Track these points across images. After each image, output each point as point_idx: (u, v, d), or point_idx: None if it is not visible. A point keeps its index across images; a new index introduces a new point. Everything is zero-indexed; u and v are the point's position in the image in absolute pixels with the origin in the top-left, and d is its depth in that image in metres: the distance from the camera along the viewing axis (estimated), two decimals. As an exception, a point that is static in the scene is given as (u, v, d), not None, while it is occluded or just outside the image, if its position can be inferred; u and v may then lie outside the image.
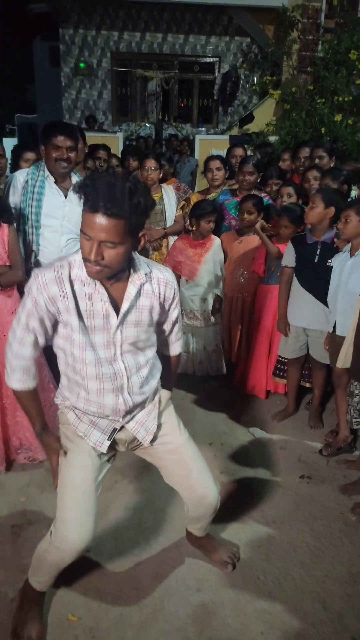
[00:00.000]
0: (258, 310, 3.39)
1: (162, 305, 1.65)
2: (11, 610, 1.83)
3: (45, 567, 1.69)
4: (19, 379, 1.62)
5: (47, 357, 2.74)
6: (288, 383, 3.28)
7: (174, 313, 1.73)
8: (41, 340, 1.60)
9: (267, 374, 3.40)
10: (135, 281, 1.56)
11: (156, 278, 1.61)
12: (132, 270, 1.56)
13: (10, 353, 1.60)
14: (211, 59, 10.82)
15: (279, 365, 3.32)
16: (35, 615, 1.77)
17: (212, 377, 3.62)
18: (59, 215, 2.69)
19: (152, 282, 1.60)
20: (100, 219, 1.35)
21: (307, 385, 3.30)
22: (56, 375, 2.68)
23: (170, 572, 2.05)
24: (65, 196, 2.71)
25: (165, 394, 1.80)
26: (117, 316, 1.55)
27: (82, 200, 1.38)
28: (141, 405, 1.71)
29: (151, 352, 1.71)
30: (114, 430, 1.68)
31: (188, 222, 3.50)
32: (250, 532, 2.28)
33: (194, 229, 3.40)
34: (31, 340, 1.58)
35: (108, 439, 1.67)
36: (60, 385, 1.73)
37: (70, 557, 1.61)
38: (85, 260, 1.43)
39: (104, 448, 1.67)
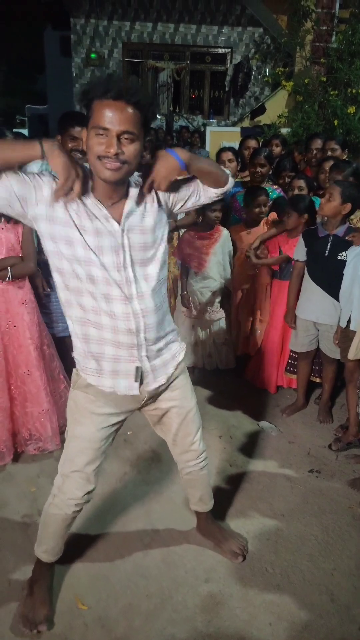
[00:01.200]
0: (271, 304, 3.37)
1: (165, 199, 1.58)
2: (14, 597, 1.86)
3: (51, 526, 1.75)
4: None
5: (57, 348, 2.76)
6: (298, 377, 3.27)
7: (185, 187, 1.62)
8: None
9: (279, 369, 3.39)
10: (132, 194, 1.50)
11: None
12: (128, 186, 1.50)
13: None
14: (223, 50, 10.72)
15: (291, 361, 3.31)
16: (44, 600, 1.80)
17: (221, 370, 3.62)
18: None
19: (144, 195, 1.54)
20: (122, 108, 1.31)
21: (317, 380, 3.29)
22: (67, 366, 2.70)
23: (179, 562, 2.06)
24: None
25: (181, 348, 1.78)
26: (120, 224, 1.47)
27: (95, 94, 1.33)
28: (158, 346, 1.64)
29: (163, 288, 1.63)
30: (138, 370, 1.59)
31: (198, 215, 3.48)
32: (259, 524, 2.28)
33: (199, 219, 3.39)
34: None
35: (135, 380, 1.60)
36: (74, 346, 1.65)
37: (73, 507, 1.71)
38: (103, 157, 1.35)
39: (135, 390, 1.62)
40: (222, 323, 3.53)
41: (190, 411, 1.84)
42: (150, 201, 1.54)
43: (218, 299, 3.47)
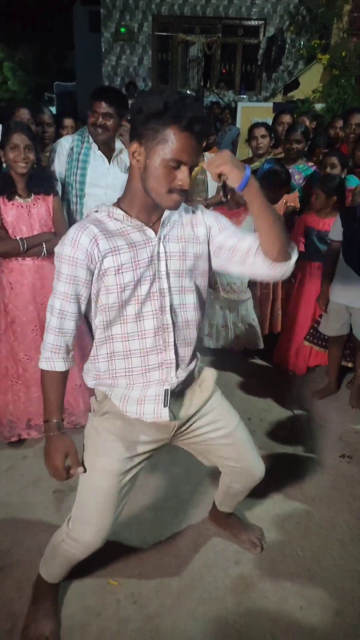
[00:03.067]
0: (298, 286, 3.31)
1: (201, 236, 1.46)
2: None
3: (58, 559, 1.64)
4: (64, 359, 1.43)
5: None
6: (329, 362, 3.21)
7: (227, 230, 1.48)
8: (83, 306, 1.42)
9: (310, 350, 3.33)
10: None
11: (185, 209, 1.47)
12: None
13: (50, 332, 1.42)
14: (256, 22, 10.37)
15: (312, 332, 3.24)
16: (48, 612, 1.72)
17: (249, 351, 3.58)
18: (103, 184, 2.66)
19: (182, 211, 1.45)
20: (196, 141, 1.26)
21: (350, 364, 3.22)
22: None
23: (209, 543, 2.07)
24: (109, 162, 2.66)
25: (211, 372, 1.66)
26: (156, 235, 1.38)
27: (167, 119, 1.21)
28: (189, 366, 1.53)
29: (199, 314, 1.51)
30: (166, 393, 1.45)
31: (222, 193, 3.42)
32: (289, 508, 2.27)
33: (228, 197, 3.32)
34: (74, 310, 1.39)
35: (165, 406, 1.44)
36: (90, 362, 1.51)
37: (82, 554, 1.58)
38: (174, 191, 1.28)
39: (164, 416, 1.45)
40: (250, 304, 3.48)
41: (235, 429, 1.66)
42: (194, 222, 1.46)
43: (245, 279, 3.41)
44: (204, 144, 3.78)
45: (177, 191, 1.28)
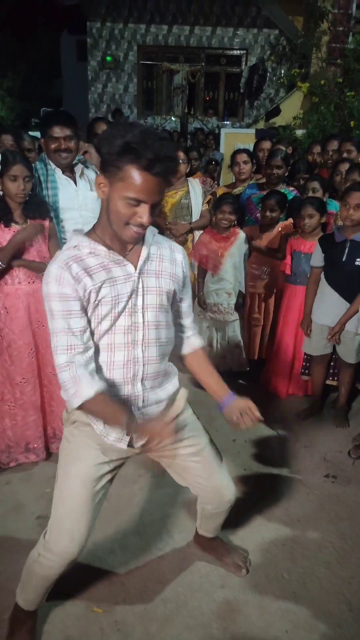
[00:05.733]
0: (283, 309, 3.35)
1: (177, 275, 1.52)
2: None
3: (34, 580, 1.61)
4: (89, 384, 1.37)
5: None
6: (313, 381, 3.24)
7: (188, 294, 1.61)
8: (87, 335, 1.40)
9: (292, 374, 3.36)
10: (149, 238, 1.46)
11: (168, 246, 1.53)
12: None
13: (65, 371, 1.37)
14: (238, 52, 10.71)
15: (306, 364, 3.28)
16: None
17: (234, 373, 3.60)
18: (76, 206, 2.67)
19: (163, 247, 1.51)
20: (157, 181, 1.26)
21: (334, 383, 3.25)
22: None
23: (194, 568, 2.05)
24: (76, 183, 2.69)
25: (183, 392, 1.68)
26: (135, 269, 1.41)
27: (129, 159, 1.24)
28: (157, 396, 1.56)
29: (169, 346, 1.56)
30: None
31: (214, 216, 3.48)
32: (275, 530, 2.26)
33: (214, 220, 3.39)
34: (81, 343, 1.38)
35: (127, 434, 1.47)
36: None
37: (58, 567, 1.55)
38: (133, 225, 1.31)
39: (123, 443, 1.49)
40: (236, 325, 3.51)
41: (204, 448, 1.68)
42: (175, 260, 1.52)
43: (233, 301, 3.45)
44: (183, 172, 3.87)
45: (136, 225, 1.31)
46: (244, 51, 10.63)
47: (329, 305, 2.92)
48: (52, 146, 2.56)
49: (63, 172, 2.66)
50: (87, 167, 2.79)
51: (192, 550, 2.12)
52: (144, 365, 1.47)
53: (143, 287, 1.43)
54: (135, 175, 1.24)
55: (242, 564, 2.03)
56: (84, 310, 1.37)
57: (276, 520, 2.31)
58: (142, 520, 2.28)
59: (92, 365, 1.40)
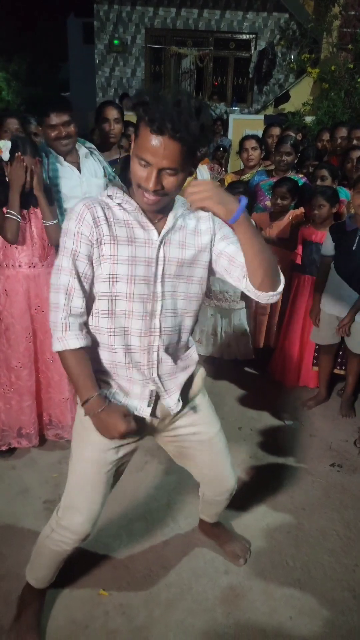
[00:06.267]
0: (291, 298, 3.33)
1: (204, 243, 1.45)
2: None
3: (45, 557, 1.63)
4: (77, 336, 1.35)
5: None
6: (320, 370, 3.23)
7: (228, 239, 1.46)
8: (87, 286, 1.37)
9: (300, 363, 3.35)
10: (177, 208, 1.40)
11: (195, 217, 1.45)
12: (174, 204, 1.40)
13: (59, 312, 1.35)
14: (247, 36, 10.52)
15: (316, 355, 3.26)
16: (31, 626, 1.70)
17: (240, 361, 3.59)
18: (79, 194, 2.61)
19: (189, 217, 1.44)
20: (166, 143, 1.18)
21: (342, 372, 3.23)
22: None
23: (199, 553, 2.06)
24: (79, 170, 2.65)
25: (202, 371, 1.64)
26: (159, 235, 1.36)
27: (144, 121, 1.18)
28: (177, 366, 1.51)
29: (189, 318, 1.49)
30: (152, 393, 1.47)
31: None
32: (279, 517, 2.27)
33: None
34: (80, 286, 1.35)
35: (148, 406, 1.47)
36: None
37: (71, 544, 1.57)
38: (141, 188, 1.27)
39: (145, 413, 1.47)
40: (243, 313, 3.50)
41: (214, 437, 1.66)
42: (200, 229, 1.44)
43: (238, 290, 3.43)
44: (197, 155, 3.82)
45: (145, 190, 1.25)
46: (254, 35, 10.44)
47: (338, 295, 2.89)
48: (52, 134, 2.52)
49: (65, 159, 2.63)
50: (92, 153, 2.75)
51: (197, 536, 2.13)
52: (160, 336, 1.42)
53: (165, 256, 1.38)
54: (146, 134, 1.20)
55: (241, 554, 2.03)
56: (90, 259, 1.33)
57: (281, 508, 2.32)
58: (147, 506, 2.29)
59: (84, 319, 1.38)
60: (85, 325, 1.39)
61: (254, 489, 2.43)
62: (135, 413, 1.46)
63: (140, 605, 1.84)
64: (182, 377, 1.54)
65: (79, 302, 1.35)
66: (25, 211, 2.38)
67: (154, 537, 2.13)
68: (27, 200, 2.38)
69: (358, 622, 1.82)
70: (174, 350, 1.49)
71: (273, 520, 2.25)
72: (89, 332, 1.40)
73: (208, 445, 1.66)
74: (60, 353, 1.37)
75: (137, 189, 1.29)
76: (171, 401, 1.50)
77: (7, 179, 2.34)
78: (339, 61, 7.84)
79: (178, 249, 1.40)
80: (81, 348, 1.36)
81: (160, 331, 1.41)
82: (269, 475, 2.54)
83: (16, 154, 2.29)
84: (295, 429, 2.95)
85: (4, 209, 2.30)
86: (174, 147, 1.19)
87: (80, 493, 1.54)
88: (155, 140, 1.18)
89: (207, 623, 1.79)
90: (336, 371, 3.23)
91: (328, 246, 2.90)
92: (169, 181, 1.25)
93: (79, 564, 1.94)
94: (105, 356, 1.44)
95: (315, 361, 3.28)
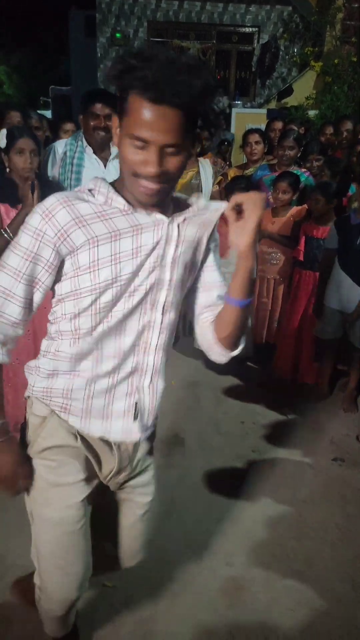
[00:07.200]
0: (292, 294, 3.33)
1: (208, 237, 1.23)
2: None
3: (45, 616, 1.43)
4: None
5: None
6: (322, 365, 3.24)
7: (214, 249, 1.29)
8: (37, 297, 1.15)
9: (300, 358, 3.36)
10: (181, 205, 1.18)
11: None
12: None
13: None
14: (250, 29, 10.46)
15: (317, 350, 3.27)
16: None
17: (239, 357, 3.58)
18: None
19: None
20: (166, 113, 0.95)
21: (344, 368, 3.25)
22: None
23: (201, 546, 2.08)
24: (105, 166, 2.67)
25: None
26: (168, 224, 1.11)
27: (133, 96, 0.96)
28: (158, 382, 1.26)
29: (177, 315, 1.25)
30: (136, 406, 1.22)
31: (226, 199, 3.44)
32: (281, 510, 2.29)
33: None
34: (22, 294, 1.12)
35: (134, 419, 1.21)
36: (43, 357, 1.24)
37: (61, 610, 1.34)
38: (139, 176, 1.02)
39: (135, 433, 1.22)
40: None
41: (152, 503, 1.40)
42: (207, 226, 1.21)
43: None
44: (199, 147, 3.83)
45: (145, 177, 1.02)
46: (256, 28, 10.37)
47: (341, 290, 2.90)
48: (92, 123, 2.54)
49: (95, 152, 2.65)
50: None
51: (199, 529, 2.15)
52: (160, 333, 1.18)
53: (179, 234, 1.14)
54: (139, 105, 0.95)
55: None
56: (55, 267, 1.10)
57: (283, 501, 2.34)
58: (150, 499, 2.31)
59: (10, 334, 1.16)
60: (11, 341, 1.18)
61: (256, 482, 2.45)
62: (122, 438, 1.22)
63: (144, 597, 1.86)
64: (158, 396, 1.27)
65: (15, 311, 1.13)
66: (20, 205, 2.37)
67: (156, 531, 2.14)
68: (33, 192, 2.36)
69: (358, 613, 1.84)
70: (165, 352, 1.24)
71: (275, 513, 2.27)
72: (10, 349, 1.20)
73: (144, 511, 1.40)
74: None
75: (131, 179, 1.04)
76: (149, 421, 1.26)
77: (7, 170, 2.34)
78: (342, 54, 7.80)
79: (192, 232, 1.18)
80: None
81: (161, 325, 1.19)
82: (271, 469, 2.56)
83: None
84: (297, 423, 2.97)
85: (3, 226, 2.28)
86: (176, 117, 0.96)
87: (48, 557, 1.27)
88: (154, 111, 0.95)
89: (211, 615, 1.81)
90: (339, 367, 3.24)
91: (332, 239, 2.91)
92: (172, 162, 1.01)
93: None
94: (85, 366, 1.17)
95: (316, 356, 3.29)
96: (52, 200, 1.07)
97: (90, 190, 1.11)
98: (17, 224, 2.28)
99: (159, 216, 1.10)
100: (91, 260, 1.07)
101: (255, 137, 3.87)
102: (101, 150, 2.67)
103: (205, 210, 1.18)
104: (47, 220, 1.06)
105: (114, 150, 2.72)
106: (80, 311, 1.12)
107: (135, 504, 1.37)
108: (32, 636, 1.68)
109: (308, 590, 1.92)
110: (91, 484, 1.28)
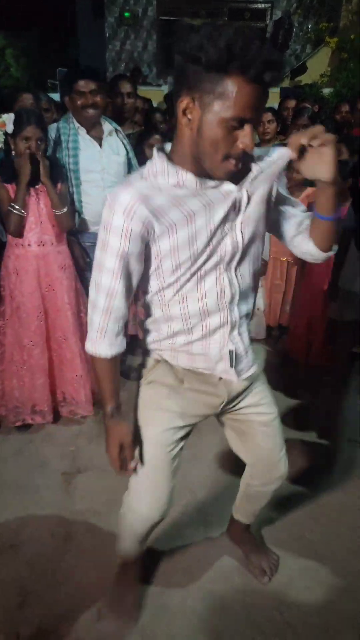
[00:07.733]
0: (306, 276, 3.28)
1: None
2: (57, 547, 1.94)
3: (125, 532, 1.59)
4: (110, 344, 1.29)
5: None
6: (337, 348, 3.19)
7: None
8: (135, 282, 1.25)
9: (313, 341, 3.32)
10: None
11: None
12: None
13: (97, 312, 1.26)
14: (263, 5, 10.21)
15: (332, 332, 3.22)
16: (130, 589, 1.74)
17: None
18: (98, 168, 2.59)
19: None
20: (263, 91, 1.01)
21: (358, 350, 3.20)
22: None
23: (215, 523, 2.08)
24: (100, 145, 2.61)
25: (260, 347, 1.54)
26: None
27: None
28: (246, 326, 1.42)
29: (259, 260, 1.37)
30: (231, 354, 1.35)
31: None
32: (298, 491, 2.28)
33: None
34: (123, 288, 1.23)
35: (231, 366, 1.36)
36: (150, 324, 1.38)
37: (142, 527, 1.52)
38: (230, 157, 1.07)
39: (232, 374, 1.37)
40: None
41: (275, 419, 1.55)
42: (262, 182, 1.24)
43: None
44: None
45: (236, 157, 1.08)
46: (269, 4, 10.12)
47: (356, 270, 2.84)
48: (79, 102, 2.48)
49: (88, 132, 2.59)
50: (117, 132, 2.70)
51: (213, 506, 2.16)
52: (237, 289, 1.29)
53: (249, 199, 1.21)
54: (242, 88, 0.99)
55: (267, 570, 1.87)
56: (145, 254, 1.20)
57: (298, 482, 2.33)
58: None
59: (122, 323, 1.29)
60: (125, 327, 1.31)
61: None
62: (221, 374, 1.37)
63: (159, 571, 1.87)
64: (247, 342, 1.42)
65: (121, 303, 1.24)
66: (33, 188, 2.36)
67: (171, 509, 2.15)
68: (36, 177, 2.35)
69: (375, 592, 1.84)
70: (247, 304, 1.38)
71: (292, 495, 2.25)
72: (126, 334, 1.33)
73: (270, 427, 1.56)
74: (91, 356, 1.33)
75: (217, 161, 1.08)
76: (246, 364, 1.41)
77: (12, 153, 2.32)
78: (358, 30, 7.59)
79: (258, 192, 1.22)
80: (114, 355, 1.31)
81: (239, 282, 1.30)
82: (288, 451, 2.53)
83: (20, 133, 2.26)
84: (311, 405, 2.95)
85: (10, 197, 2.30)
86: (266, 92, 1.03)
87: (143, 476, 1.44)
88: (255, 90, 1.00)
89: (226, 590, 1.82)
90: (355, 349, 3.19)
91: (349, 220, 2.84)
92: (252, 138, 1.06)
93: (98, 530, 1.99)
94: (177, 327, 1.31)
95: (330, 339, 3.25)
96: (127, 198, 1.12)
97: (155, 174, 1.16)
98: (21, 198, 2.31)
99: (227, 188, 1.17)
100: (171, 245, 1.18)
101: (267, 116, 3.78)
102: (93, 129, 2.60)
103: (271, 163, 1.21)
104: (130, 219, 1.12)
105: (106, 127, 2.65)
106: (164, 287, 1.26)
107: (257, 424, 1.54)
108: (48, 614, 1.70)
109: (324, 569, 1.91)
110: (191, 421, 1.45)
